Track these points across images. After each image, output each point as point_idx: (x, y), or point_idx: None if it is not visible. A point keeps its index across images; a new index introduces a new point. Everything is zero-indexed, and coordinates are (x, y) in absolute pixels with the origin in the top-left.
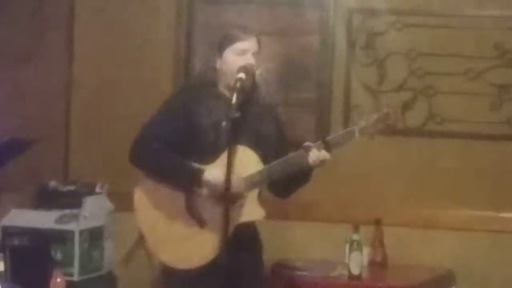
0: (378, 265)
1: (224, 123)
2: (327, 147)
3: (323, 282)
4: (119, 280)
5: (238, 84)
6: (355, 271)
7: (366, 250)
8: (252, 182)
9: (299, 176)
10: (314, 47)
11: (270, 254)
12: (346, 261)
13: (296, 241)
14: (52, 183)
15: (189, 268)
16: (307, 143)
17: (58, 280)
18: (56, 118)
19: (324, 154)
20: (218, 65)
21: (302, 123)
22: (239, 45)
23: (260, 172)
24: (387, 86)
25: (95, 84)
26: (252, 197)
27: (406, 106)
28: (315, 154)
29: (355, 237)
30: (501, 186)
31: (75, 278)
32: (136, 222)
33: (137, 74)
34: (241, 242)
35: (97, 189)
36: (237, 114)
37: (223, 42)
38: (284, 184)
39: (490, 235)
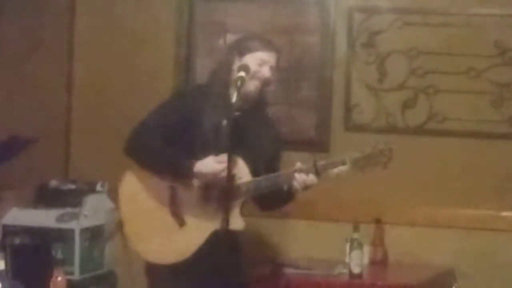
0: (378, 264)
1: (224, 122)
2: (317, 172)
3: (324, 281)
4: (120, 278)
5: (238, 83)
6: (356, 270)
7: (366, 249)
8: (238, 192)
9: (285, 196)
10: (315, 45)
11: (270, 253)
12: (347, 260)
13: (297, 240)
14: (53, 182)
15: (161, 263)
16: (298, 166)
17: (59, 278)
18: (57, 117)
19: (311, 178)
20: (234, 67)
21: (302, 121)
22: (262, 55)
23: (247, 183)
24: (387, 85)
25: (95, 83)
26: (235, 207)
27: (407, 105)
28: (302, 178)
29: (356, 236)
30: (502, 184)
31: (76, 276)
32: (119, 209)
33: (137, 72)
34: (217, 249)
35: (98, 188)
36: (237, 113)
37: (247, 47)
38: (268, 200)
39: (491, 233)
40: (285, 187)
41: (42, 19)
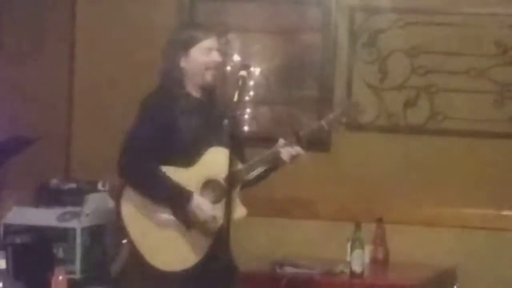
0: (380, 263)
1: (225, 121)
2: (300, 142)
3: (325, 280)
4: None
5: (240, 82)
6: (357, 269)
7: (368, 248)
8: (234, 181)
9: (268, 173)
10: (316, 44)
11: (272, 252)
12: (348, 259)
13: (298, 239)
14: (54, 181)
15: (178, 270)
16: (282, 141)
17: (60, 278)
18: (58, 116)
19: (297, 149)
20: (183, 64)
21: (303, 120)
22: (205, 44)
23: (240, 170)
24: (389, 84)
25: (96, 82)
26: (233, 196)
27: (408, 104)
28: (288, 151)
29: (357, 235)
30: (503, 184)
31: (77, 276)
32: (124, 229)
33: (138, 72)
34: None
35: (99, 187)
36: (238, 113)
37: (188, 41)
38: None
39: (492, 233)
40: (271, 165)
41: (44, 21)
